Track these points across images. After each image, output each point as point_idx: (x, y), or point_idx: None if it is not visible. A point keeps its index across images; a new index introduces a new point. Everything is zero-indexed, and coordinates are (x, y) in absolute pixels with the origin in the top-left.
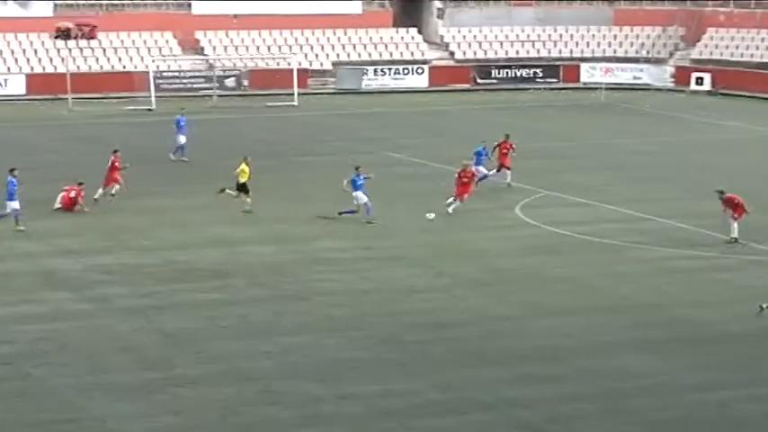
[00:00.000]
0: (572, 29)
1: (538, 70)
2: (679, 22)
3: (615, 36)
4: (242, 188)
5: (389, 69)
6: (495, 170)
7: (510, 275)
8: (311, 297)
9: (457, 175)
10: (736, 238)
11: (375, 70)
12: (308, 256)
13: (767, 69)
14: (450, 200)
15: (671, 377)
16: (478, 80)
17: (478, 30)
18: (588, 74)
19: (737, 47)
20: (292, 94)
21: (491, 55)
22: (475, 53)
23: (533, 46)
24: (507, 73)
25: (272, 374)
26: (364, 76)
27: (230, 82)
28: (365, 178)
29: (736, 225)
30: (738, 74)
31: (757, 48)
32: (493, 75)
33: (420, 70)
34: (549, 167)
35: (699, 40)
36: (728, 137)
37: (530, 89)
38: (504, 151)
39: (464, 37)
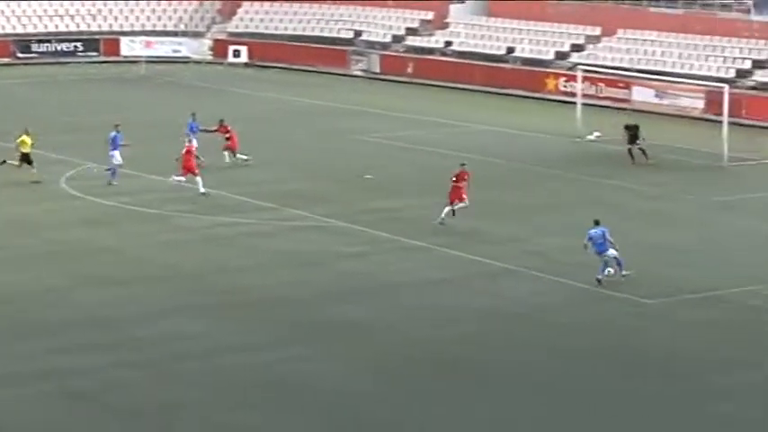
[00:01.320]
0: (111, 3)
1: (78, 44)
2: None
3: (154, 10)
4: (24, 159)
5: None
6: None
7: (58, 248)
8: None
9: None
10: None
11: None
12: None
13: (300, 42)
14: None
15: (219, 341)
16: (19, 54)
17: (17, 4)
18: (129, 47)
19: (272, 20)
20: None
21: (30, 29)
22: (14, 27)
23: (73, 20)
24: (47, 47)
25: None
26: None
27: None
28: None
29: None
30: (274, 46)
31: (291, 20)
32: (33, 49)
33: None
34: (90, 140)
35: (235, 14)
36: (267, 107)
37: (70, 63)
38: (227, 136)
39: (2, 11)
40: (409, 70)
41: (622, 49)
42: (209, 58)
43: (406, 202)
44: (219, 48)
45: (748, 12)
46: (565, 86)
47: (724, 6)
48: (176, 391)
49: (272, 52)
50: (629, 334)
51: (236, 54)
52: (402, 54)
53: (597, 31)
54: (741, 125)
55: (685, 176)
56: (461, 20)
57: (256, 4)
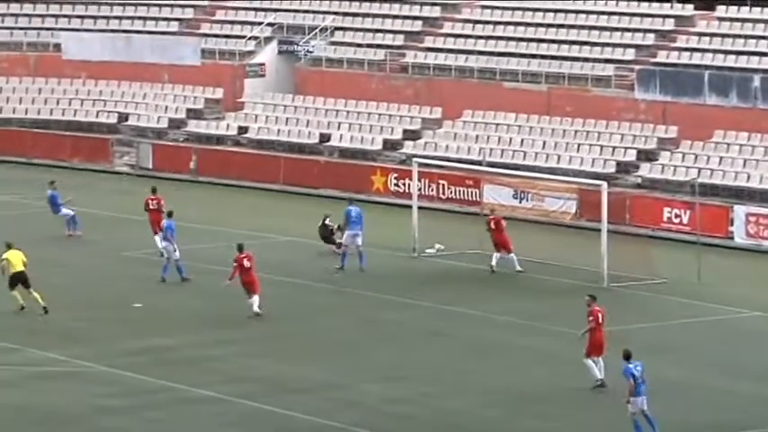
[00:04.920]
0: None
1: None
2: None
3: None
4: (18, 281)
5: None
6: None
7: None
8: None
9: None
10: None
11: None
12: None
13: (47, 128)
14: None
15: None
16: None
17: None
18: None
19: (8, 99)
20: None
21: None
22: None
23: None
24: None
25: None
26: None
27: None
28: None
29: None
30: (11, 134)
31: (33, 100)
32: None
33: None
34: None
35: None
36: (1, 213)
37: None
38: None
39: None
40: (192, 165)
41: (470, 136)
42: None
43: (183, 339)
44: None
45: (632, 88)
46: (396, 185)
47: (599, 81)
48: None
49: (10, 142)
50: None
51: None
52: (182, 144)
53: (438, 112)
54: (624, 233)
55: (555, 302)
56: (260, 99)
57: None
